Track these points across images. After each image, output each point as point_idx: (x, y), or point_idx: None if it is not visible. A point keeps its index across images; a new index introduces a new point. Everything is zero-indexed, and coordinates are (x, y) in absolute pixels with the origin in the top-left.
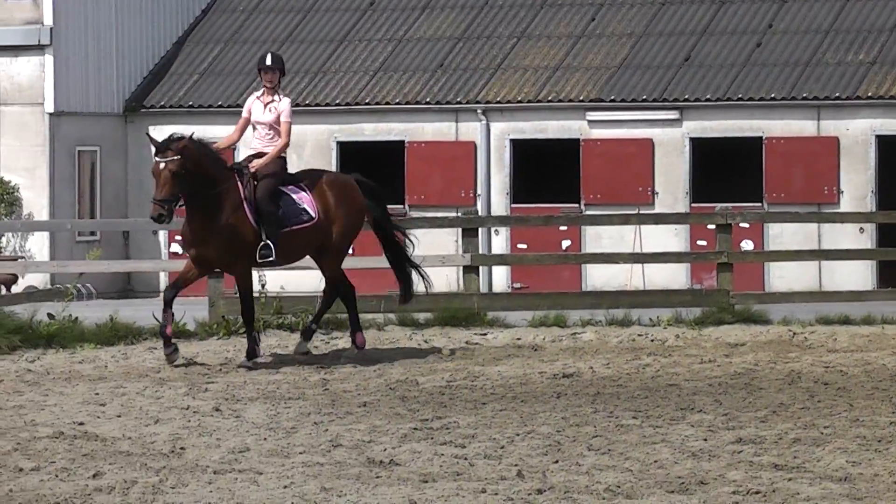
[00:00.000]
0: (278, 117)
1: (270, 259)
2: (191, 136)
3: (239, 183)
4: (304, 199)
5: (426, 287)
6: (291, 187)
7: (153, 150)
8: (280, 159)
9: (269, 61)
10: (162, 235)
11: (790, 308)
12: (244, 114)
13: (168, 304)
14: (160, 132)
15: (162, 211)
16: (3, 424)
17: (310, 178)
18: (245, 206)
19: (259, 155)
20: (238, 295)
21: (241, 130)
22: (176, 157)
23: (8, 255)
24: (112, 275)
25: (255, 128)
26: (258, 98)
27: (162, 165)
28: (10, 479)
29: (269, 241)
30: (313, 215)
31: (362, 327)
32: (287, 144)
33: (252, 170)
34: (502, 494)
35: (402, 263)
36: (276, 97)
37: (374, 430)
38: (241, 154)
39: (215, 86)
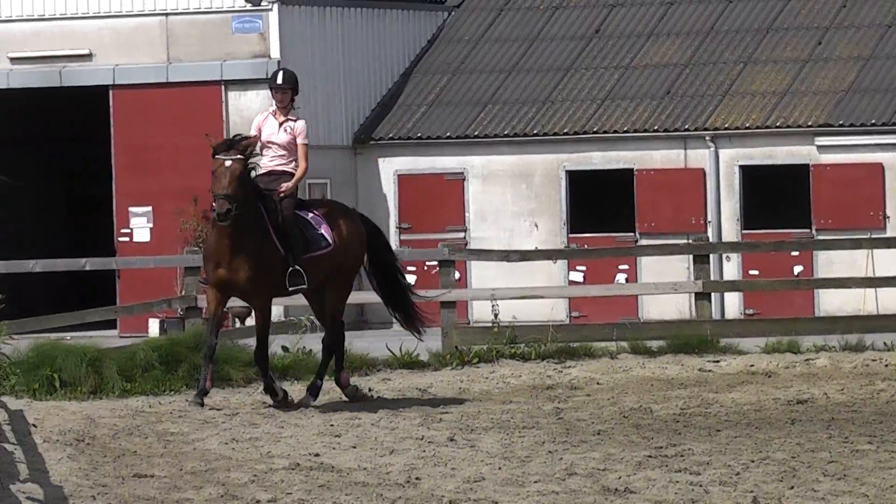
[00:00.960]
0: (294, 139)
1: (303, 287)
2: (253, 140)
3: (263, 206)
4: (322, 225)
5: (418, 331)
6: (304, 212)
7: (212, 150)
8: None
9: (280, 80)
10: None
11: None
12: (252, 132)
13: (212, 354)
14: (389, 164)
15: (230, 206)
16: (240, 456)
17: (318, 206)
18: (272, 230)
19: (270, 174)
20: (258, 328)
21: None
22: (240, 157)
23: None
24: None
25: (266, 147)
26: (270, 116)
27: (228, 163)
28: None
29: (298, 268)
30: (330, 242)
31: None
32: (306, 170)
33: (281, 194)
34: None
35: (403, 297)
36: (290, 116)
37: (608, 458)
38: None
39: (444, 117)
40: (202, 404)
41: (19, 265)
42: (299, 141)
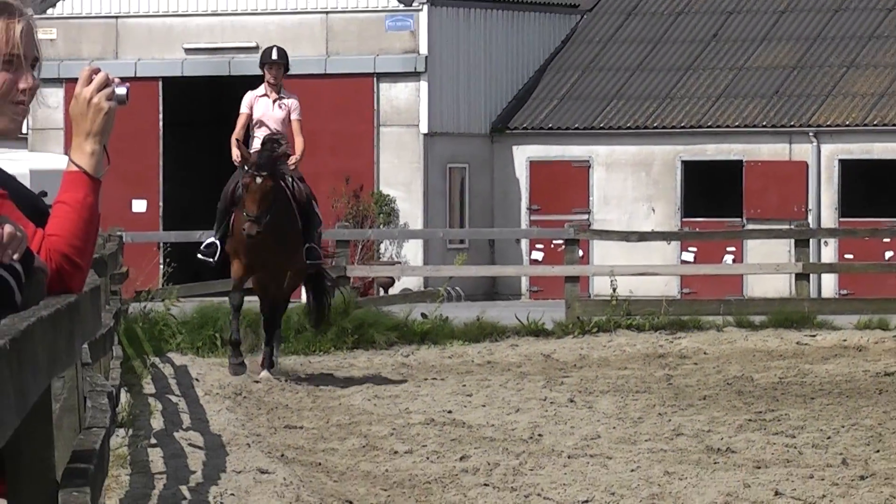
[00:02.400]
0: (288, 114)
1: (318, 262)
2: (274, 148)
3: (283, 184)
4: (316, 205)
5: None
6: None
7: (246, 165)
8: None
9: (274, 55)
10: (524, 244)
11: None
12: (244, 110)
13: (237, 310)
14: (522, 152)
15: (259, 228)
16: (381, 412)
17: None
18: (295, 209)
19: (269, 142)
20: (277, 301)
21: (243, 127)
22: (268, 176)
23: (386, 261)
24: (479, 278)
25: (260, 125)
26: (264, 95)
27: (259, 180)
28: (386, 460)
29: (313, 245)
30: (321, 220)
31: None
32: (305, 144)
33: (291, 169)
34: (828, 480)
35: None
36: (282, 94)
37: (712, 421)
38: None
39: (573, 110)
40: (240, 354)
41: (187, 235)
42: (294, 116)
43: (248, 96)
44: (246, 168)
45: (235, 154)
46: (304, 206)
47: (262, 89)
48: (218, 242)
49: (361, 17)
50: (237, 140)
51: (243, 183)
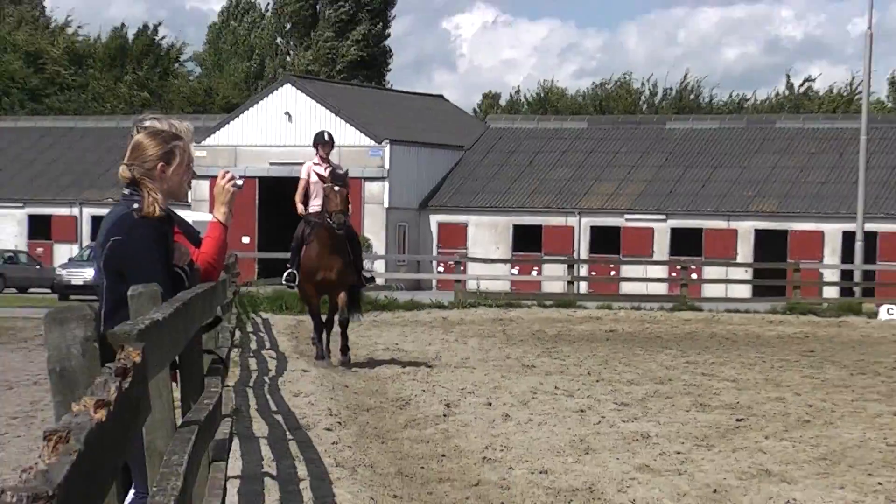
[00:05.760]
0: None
1: (365, 284)
2: (342, 172)
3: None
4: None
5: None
6: None
7: (325, 181)
8: None
9: (326, 137)
10: (434, 264)
11: None
12: (304, 176)
13: (319, 332)
14: (434, 218)
15: (344, 220)
16: (362, 342)
17: None
18: (347, 244)
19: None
20: (352, 305)
21: (304, 188)
22: (343, 186)
23: (365, 270)
24: (411, 280)
25: (314, 186)
26: (317, 164)
27: (337, 189)
28: (370, 367)
29: (363, 275)
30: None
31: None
32: None
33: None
34: (580, 382)
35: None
36: (331, 164)
37: (525, 353)
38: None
39: (460, 198)
40: (324, 358)
41: (268, 255)
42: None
43: (306, 165)
44: (325, 184)
45: (300, 209)
46: (353, 240)
47: (315, 160)
48: (295, 272)
49: (356, 149)
50: (299, 197)
51: (325, 192)
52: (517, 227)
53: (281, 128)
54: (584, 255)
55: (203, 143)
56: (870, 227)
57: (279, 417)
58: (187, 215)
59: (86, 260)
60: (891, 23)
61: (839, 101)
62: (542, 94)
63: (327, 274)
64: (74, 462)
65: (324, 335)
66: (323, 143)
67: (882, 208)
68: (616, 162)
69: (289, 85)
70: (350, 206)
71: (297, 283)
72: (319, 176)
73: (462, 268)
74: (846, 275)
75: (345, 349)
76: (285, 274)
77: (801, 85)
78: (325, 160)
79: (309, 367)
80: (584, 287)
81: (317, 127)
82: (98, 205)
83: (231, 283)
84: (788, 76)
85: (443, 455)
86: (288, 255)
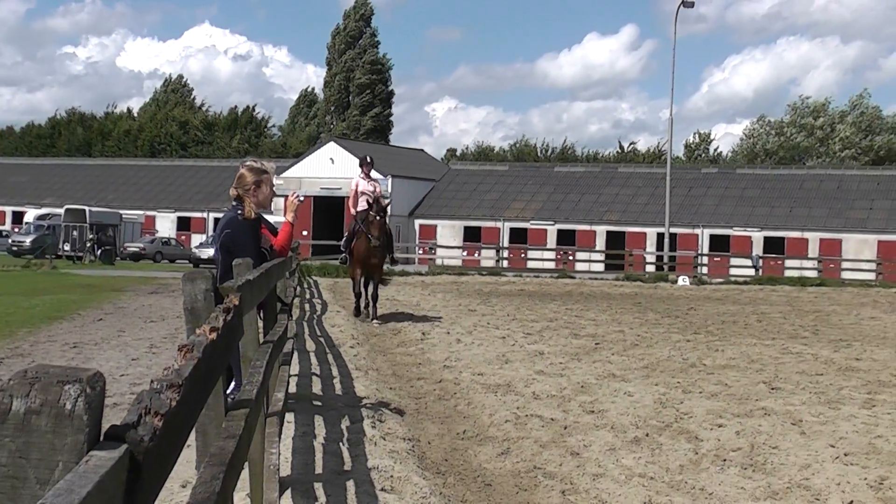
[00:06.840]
0: (375, 188)
1: (397, 264)
2: (383, 204)
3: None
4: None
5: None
6: None
7: (368, 208)
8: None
9: (368, 159)
10: (418, 249)
11: None
12: (352, 186)
13: (359, 297)
14: (417, 223)
15: (378, 242)
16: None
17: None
18: (385, 235)
19: (370, 208)
20: (376, 282)
21: (355, 195)
22: (383, 217)
23: None
24: (401, 259)
25: (362, 193)
26: (362, 177)
27: (378, 218)
28: (381, 317)
29: (394, 256)
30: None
31: None
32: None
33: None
34: (503, 326)
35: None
36: (371, 178)
37: (482, 302)
38: None
39: (433, 210)
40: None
41: (317, 242)
42: (380, 187)
43: (355, 178)
44: (371, 210)
45: (352, 211)
46: (389, 233)
47: (360, 174)
48: (347, 256)
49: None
50: (352, 202)
51: (369, 220)
52: (467, 228)
53: (327, 167)
54: (506, 244)
55: (281, 175)
56: (673, 230)
57: (322, 339)
58: (270, 218)
59: (209, 244)
60: (684, 113)
61: (654, 156)
62: (482, 149)
63: (368, 262)
64: (196, 365)
65: (361, 300)
66: (366, 163)
67: (678, 220)
68: (525, 190)
69: (332, 142)
70: (388, 216)
71: (348, 263)
72: (367, 202)
73: (433, 251)
74: (659, 258)
75: (374, 314)
76: (341, 256)
77: (629, 147)
78: (367, 175)
79: (340, 310)
80: (505, 264)
81: (351, 168)
82: (217, 211)
83: (295, 258)
84: (620, 141)
85: (419, 363)
86: (332, 242)
